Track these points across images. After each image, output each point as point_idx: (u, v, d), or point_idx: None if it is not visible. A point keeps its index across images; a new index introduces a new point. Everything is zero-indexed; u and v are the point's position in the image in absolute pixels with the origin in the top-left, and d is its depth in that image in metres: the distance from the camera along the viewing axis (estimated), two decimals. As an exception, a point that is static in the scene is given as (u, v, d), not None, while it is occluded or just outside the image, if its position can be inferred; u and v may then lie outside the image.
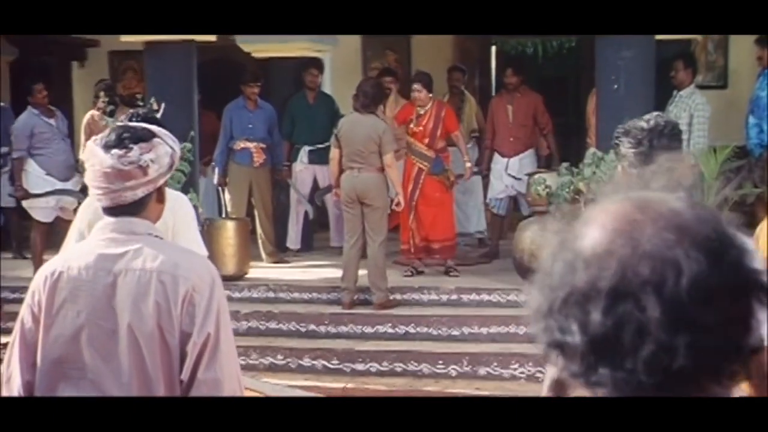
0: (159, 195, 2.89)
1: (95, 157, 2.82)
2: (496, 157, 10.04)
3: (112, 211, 2.85)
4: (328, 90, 11.03)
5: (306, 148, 10.27)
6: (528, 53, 12.61)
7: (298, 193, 10.27)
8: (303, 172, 10.33)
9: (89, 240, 2.89)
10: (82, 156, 9.89)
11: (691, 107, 8.97)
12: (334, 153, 8.56)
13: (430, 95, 9.04)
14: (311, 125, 10.23)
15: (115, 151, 2.79)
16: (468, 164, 9.29)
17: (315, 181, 10.37)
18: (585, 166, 7.81)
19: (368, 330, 8.35)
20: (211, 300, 2.75)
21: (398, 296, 8.61)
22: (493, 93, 12.74)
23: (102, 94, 9.81)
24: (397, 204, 8.54)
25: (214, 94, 10.66)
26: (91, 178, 2.84)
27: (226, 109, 9.97)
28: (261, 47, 10.09)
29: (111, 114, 10.01)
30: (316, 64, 10.38)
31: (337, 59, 11.66)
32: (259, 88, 9.94)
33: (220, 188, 10.06)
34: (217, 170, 9.93)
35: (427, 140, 9.01)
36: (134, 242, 2.81)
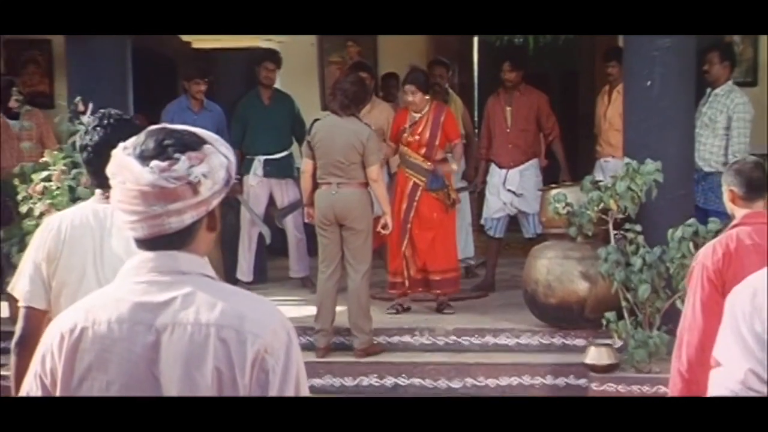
0: (211, 221, 2.53)
1: (128, 170, 2.45)
2: (493, 168, 9.86)
3: (151, 243, 2.47)
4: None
5: (261, 158, 9.95)
6: (517, 44, 12.37)
7: (251, 213, 9.90)
8: (257, 186, 9.98)
9: (119, 283, 2.50)
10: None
11: (728, 108, 8.83)
12: (306, 165, 8.22)
13: (427, 97, 8.75)
14: (267, 130, 9.92)
15: (156, 163, 2.42)
16: (454, 167, 8.97)
17: (271, 198, 10.03)
18: (618, 179, 7.54)
19: (349, 382, 8.05)
20: (288, 364, 2.42)
21: (384, 340, 8.32)
22: (476, 91, 12.59)
23: (14, 90, 9.35)
24: (384, 226, 8.22)
25: (144, 92, 10.24)
26: (120, 199, 2.47)
27: (166, 110, 9.65)
28: (203, 36, 9.75)
29: (15, 117, 9.58)
30: (272, 56, 10.11)
31: (289, 52, 11.34)
32: (206, 86, 9.70)
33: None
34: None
35: (424, 150, 8.76)
36: (182, 285, 2.44)
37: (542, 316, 8.19)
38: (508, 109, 9.76)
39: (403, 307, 8.93)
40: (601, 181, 8.04)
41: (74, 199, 7.58)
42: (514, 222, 10.06)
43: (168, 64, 11.81)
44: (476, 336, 8.29)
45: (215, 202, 2.50)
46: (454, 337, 8.32)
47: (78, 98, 7.93)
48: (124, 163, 2.46)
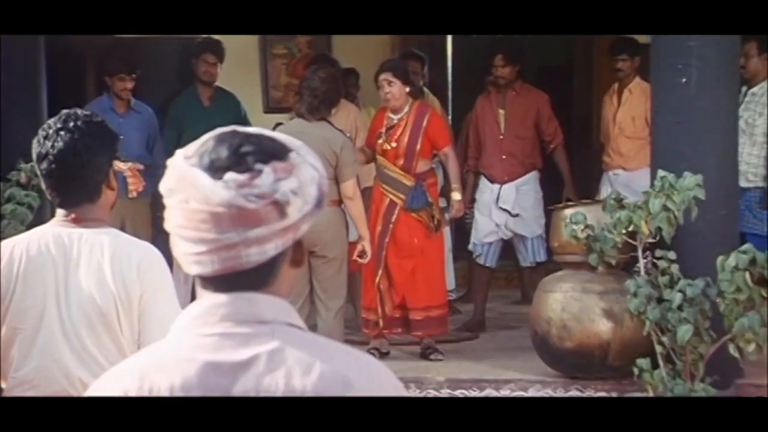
0: (296, 253, 2.29)
1: (192, 186, 2.20)
2: (483, 183, 9.86)
3: (222, 282, 2.24)
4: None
5: (199, 170, 9.79)
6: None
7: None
8: (196, 205, 9.82)
9: (180, 337, 2.27)
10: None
11: (769, 110, 8.82)
12: (266, 178, 8.04)
13: (407, 89, 8.62)
14: (207, 136, 9.74)
15: (232, 175, 2.19)
16: (457, 196, 8.86)
17: (213, 219, 9.87)
18: (650, 196, 7.39)
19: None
20: None
21: (362, 393, 8.11)
22: (450, 89, 12.52)
23: None
24: (361, 253, 8.11)
25: (56, 90, 10.04)
26: (181, 224, 2.22)
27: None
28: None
29: None
30: (213, 48, 10.18)
31: (226, 42, 11.17)
32: (133, 83, 9.66)
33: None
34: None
35: (401, 161, 8.65)
36: (266, 339, 2.21)
37: (555, 363, 8.07)
38: (501, 111, 9.76)
39: (380, 352, 8.74)
40: (625, 198, 7.90)
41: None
42: (504, 247, 9.96)
43: (74, 56, 11.56)
44: (474, 389, 8.17)
45: (304, 228, 2.27)
46: (447, 390, 8.19)
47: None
48: (188, 176, 2.22)
